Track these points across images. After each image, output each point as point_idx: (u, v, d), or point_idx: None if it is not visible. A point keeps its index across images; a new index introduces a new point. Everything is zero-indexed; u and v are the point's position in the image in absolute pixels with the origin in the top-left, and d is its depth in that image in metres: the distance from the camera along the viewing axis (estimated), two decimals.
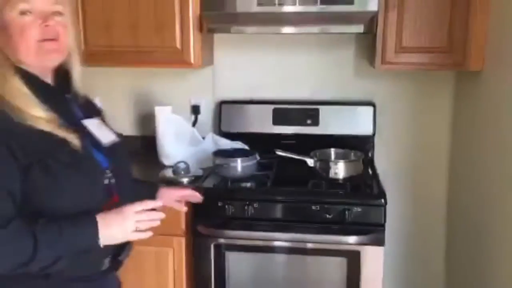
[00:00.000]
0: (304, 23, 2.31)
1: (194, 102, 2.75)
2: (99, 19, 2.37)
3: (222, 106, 2.69)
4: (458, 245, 2.55)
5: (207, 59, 2.58)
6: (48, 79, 1.39)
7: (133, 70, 2.68)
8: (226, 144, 2.55)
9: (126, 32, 2.36)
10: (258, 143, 2.55)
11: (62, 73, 1.42)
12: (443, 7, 2.19)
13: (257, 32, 2.50)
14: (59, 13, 1.34)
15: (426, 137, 2.66)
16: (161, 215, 1.37)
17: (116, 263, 1.42)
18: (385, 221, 2.08)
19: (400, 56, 2.27)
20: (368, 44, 2.56)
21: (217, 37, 2.67)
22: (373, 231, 2.07)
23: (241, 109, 2.69)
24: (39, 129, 1.26)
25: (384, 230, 2.09)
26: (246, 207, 2.13)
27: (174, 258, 2.23)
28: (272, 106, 2.66)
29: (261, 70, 2.71)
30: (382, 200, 2.08)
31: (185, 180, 2.27)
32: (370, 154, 2.59)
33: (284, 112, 2.65)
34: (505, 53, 1.95)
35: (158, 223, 1.36)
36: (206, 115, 2.77)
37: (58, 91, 1.40)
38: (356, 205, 2.08)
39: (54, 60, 1.36)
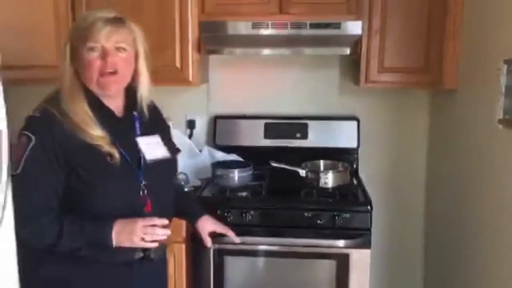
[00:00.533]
0: (295, 45, 2.48)
1: (189, 117, 2.90)
2: None
3: (217, 121, 2.84)
4: (436, 246, 2.74)
5: (203, 78, 2.72)
6: (114, 100, 1.60)
7: None
8: (222, 156, 2.70)
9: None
10: (251, 155, 2.68)
11: (133, 92, 1.63)
12: (420, 32, 2.39)
13: (252, 53, 2.67)
14: (122, 49, 1.54)
15: (405, 149, 2.84)
16: (167, 232, 1.55)
17: (147, 257, 1.59)
18: (371, 225, 2.26)
19: (382, 75, 2.46)
20: (352, 64, 2.73)
21: (212, 57, 2.82)
22: (360, 235, 2.24)
23: (235, 124, 2.84)
24: (88, 142, 1.48)
25: (370, 234, 2.26)
26: (243, 215, 2.29)
27: (175, 263, 2.33)
28: (264, 121, 2.81)
29: (253, 88, 2.87)
30: (368, 207, 2.27)
31: (185, 189, 2.42)
32: (354, 165, 2.76)
33: (275, 127, 2.80)
34: (476, 73, 2.16)
35: (164, 237, 1.56)
36: (201, 129, 2.92)
37: (122, 111, 1.63)
38: (345, 212, 2.25)
39: (113, 91, 1.58)
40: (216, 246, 2.29)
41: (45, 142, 1.45)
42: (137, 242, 1.51)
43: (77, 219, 1.49)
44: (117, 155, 1.51)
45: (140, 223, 1.50)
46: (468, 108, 2.27)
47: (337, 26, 2.40)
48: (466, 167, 2.25)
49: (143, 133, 1.65)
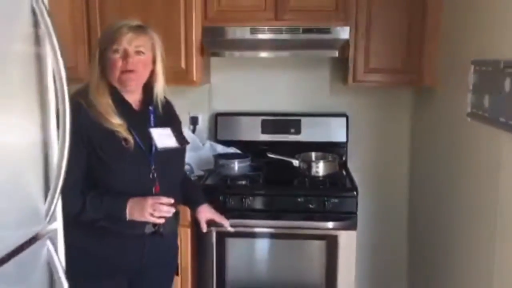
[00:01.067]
0: (289, 48, 2.72)
1: (193, 114, 3.14)
2: None
3: (218, 118, 3.08)
4: (417, 229, 2.98)
5: (205, 78, 2.96)
6: (133, 95, 1.87)
7: None
8: (223, 149, 2.94)
9: None
10: (249, 149, 2.92)
11: (149, 89, 1.89)
12: (402, 36, 2.64)
13: (250, 56, 2.90)
14: (142, 53, 1.81)
15: (390, 142, 3.09)
16: (172, 209, 1.82)
17: (158, 231, 1.84)
18: (357, 209, 2.51)
19: (368, 75, 2.70)
20: (341, 65, 2.96)
21: (213, 59, 3.05)
22: (348, 218, 2.49)
23: (234, 120, 3.07)
24: (108, 129, 1.74)
25: (356, 217, 2.51)
26: (242, 200, 2.54)
27: (181, 245, 2.49)
28: (261, 118, 3.04)
29: (251, 87, 3.10)
30: (355, 192, 2.52)
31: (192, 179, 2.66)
32: (344, 158, 3.01)
33: (271, 123, 3.04)
34: (451, 72, 2.41)
35: (169, 214, 1.81)
36: (203, 125, 3.16)
37: (139, 105, 1.89)
38: (334, 197, 2.50)
39: (131, 87, 1.84)
40: (218, 229, 2.52)
41: (74, 126, 1.69)
42: (146, 217, 1.76)
43: (98, 194, 1.75)
44: (132, 141, 1.77)
45: (150, 200, 1.76)
46: (444, 104, 2.53)
47: (327, 31, 2.64)
48: (443, 157, 2.50)
49: (156, 125, 1.90)
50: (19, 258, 1.08)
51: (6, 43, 1.08)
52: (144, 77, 1.86)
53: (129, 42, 1.77)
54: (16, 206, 1.11)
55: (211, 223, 2.19)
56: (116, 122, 1.77)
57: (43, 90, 1.20)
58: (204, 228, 2.14)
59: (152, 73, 1.89)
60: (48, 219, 1.19)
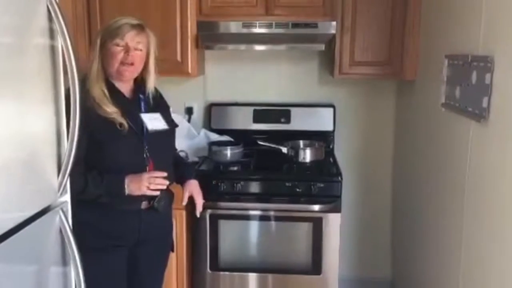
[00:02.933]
0: (279, 42, 2.88)
1: (188, 104, 3.29)
2: None
3: (212, 108, 3.24)
4: (400, 211, 3.16)
5: (200, 70, 3.11)
6: (126, 86, 2.06)
7: None
8: (216, 138, 3.10)
9: None
10: (241, 137, 3.06)
11: (140, 80, 2.10)
12: (384, 31, 2.80)
13: (242, 49, 3.06)
14: (140, 49, 2.03)
15: (374, 131, 3.26)
16: (166, 182, 2.03)
17: (153, 206, 2.06)
18: (341, 193, 2.68)
19: (353, 68, 2.85)
20: (328, 58, 3.12)
21: (208, 52, 3.20)
22: (332, 201, 2.66)
23: (227, 110, 3.22)
24: (103, 115, 1.94)
25: (340, 200, 2.68)
26: (234, 185, 2.70)
27: (177, 226, 2.65)
28: (253, 108, 3.19)
29: (243, 79, 3.25)
30: (339, 177, 2.69)
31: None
32: (331, 146, 3.17)
33: (262, 113, 3.18)
34: (429, 65, 2.58)
35: (164, 186, 2.03)
36: (198, 115, 3.31)
37: (130, 94, 2.08)
38: (319, 182, 2.67)
39: (127, 77, 2.05)
40: (211, 211, 2.71)
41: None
42: (143, 190, 1.96)
43: (98, 173, 1.94)
44: (126, 124, 1.97)
45: (146, 175, 1.98)
46: (422, 95, 2.70)
47: (315, 25, 2.78)
48: (421, 144, 2.68)
49: (147, 111, 2.11)
50: (35, 224, 1.25)
51: (25, 36, 1.25)
52: (139, 70, 2.07)
53: (131, 38, 1.99)
54: (34, 181, 1.28)
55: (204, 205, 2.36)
56: (111, 110, 1.96)
57: (56, 80, 1.37)
58: (185, 201, 2.28)
59: (145, 66, 2.10)
60: (60, 192, 1.36)
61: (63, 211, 1.36)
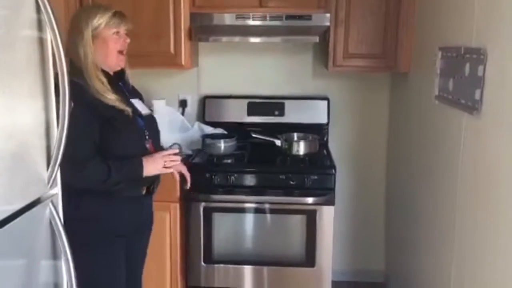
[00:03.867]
0: (273, 34, 2.87)
1: (182, 97, 3.28)
2: None
3: (205, 100, 3.23)
4: (394, 203, 3.17)
5: (194, 62, 3.10)
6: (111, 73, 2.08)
7: (134, 71, 3.18)
8: (210, 130, 3.09)
9: (130, 40, 2.87)
10: (235, 130, 3.06)
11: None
12: (379, 23, 2.79)
13: (236, 41, 3.03)
14: (127, 36, 2.09)
15: (368, 124, 3.26)
16: (179, 158, 2.11)
17: (149, 192, 2.14)
18: (335, 186, 2.69)
19: (347, 60, 2.85)
20: (323, 51, 3.12)
21: (201, 44, 3.19)
22: (326, 194, 2.67)
23: (221, 103, 3.22)
24: (108, 103, 1.95)
25: (334, 193, 2.68)
26: (228, 177, 2.70)
27: (171, 220, 2.70)
28: (247, 100, 3.19)
29: (237, 71, 3.25)
30: (333, 170, 2.70)
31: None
32: (325, 139, 3.17)
33: (256, 105, 3.18)
34: (423, 58, 2.58)
35: (177, 162, 2.13)
36: (192, 107, 3.31)
37: (116, 82, 2.09)
38: (313, 174, 2.67)
39: (122, 64, 2.11)
40: (205, 204, 2.72)
41: (80, 105, 1.85)
42: (160, 168, 2.05)
43: (116, 159, 1.96)
44: (129, 110, 2.01)
45: (159, 154, 2.06)
46: (416, 88, 2.70)
47: (309, 18, 2.78)
48: (415, 137, 2.68)
49: (130, 97, 2.15)
50: (25, 216, 1.24)
51: (13, 28, 1.23)
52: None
53: (124, 26, 2.05)
54: (24, 173, 1.27)
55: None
56: (113, 97, 1.98)
57: (45, 73, 1.36)
58: (177, 177, 2.26)
59: None
60: (50, 184, 1.35)
61: (53, 204, 1.35)
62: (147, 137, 2.11)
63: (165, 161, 2.06)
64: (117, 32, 2.03)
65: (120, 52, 2.05)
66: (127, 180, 2.00)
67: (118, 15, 2.03)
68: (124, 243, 2.10)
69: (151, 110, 2.29)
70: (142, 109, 2.15)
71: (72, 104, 1.86)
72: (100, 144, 1.95)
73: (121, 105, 1.99)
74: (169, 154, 2.09)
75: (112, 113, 1.97)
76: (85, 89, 1.93)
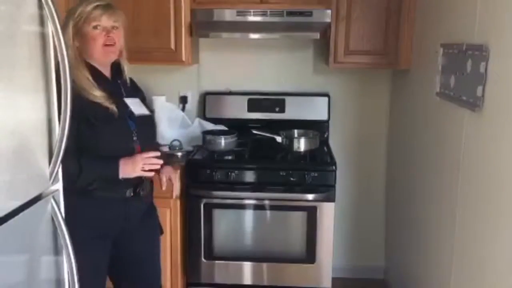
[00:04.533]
0: (274, 30, 2.85)
1: (182, 93, 3.27)
2: None
3: (206, 97, 3.22)
4: (394, 200, 3.16)
5: (194, 58, 3.09)
6: (107, 69, 2.07)
7: (134, 67, 3.18)
8: (211, 127, 3.09)
9: (130, 36, 2.84)
10: (236, 126, 3.06)
11: (117, 65, 2.09)
12: (380, 20, 2.78)
13: (237, 37, 3.03)
14: (116, 27, 2.02)
15: (369, 120, 3.25)
16: (160, 161, 2.03)
17: (137, 195, 2.06)
18: (335, 182, 2.68)
19: (348, 57, 2.84)
20: (323, 47, 3.11)
21: (202, 40, 3.18)
22: (327, 190, 2.67)
23: (222, 99, 3.21)
24: (92, 100, 1.92)
25: (334, 190, 2.68)
26: (228, 174, 2.70)
27: (171, 216, 2.69)
28: (247, 97, 3.17)
29: (238, 68, 3.24)
30: (333, 167, 2.69)
31: (179, 154, 2.81)
32: (325, 135, 3.16)
33: (257, 102, 3.17)
34: (424, 54, 2.57)
35: (158, 167, 2.04)
36: (192, 104, 3.29)
37: (110, 78, 2.05)
38: (314, 171, 2.67)
39: (112, 58, 2.05)
40: (206, 201, 2.71)
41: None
42: (138, 171, 1.97)
43: (91, 158, 1.91)
44: (115, 108, 1.96)
45: (140, 156, 1.98)
46: (417, 85, 2.69)
47: (309, 14, 2.77)
48: (416, 134, 2.67)
49: (127, 96, 2.11)
50: (27, 212, 1.24)
51: (15, 23, 1.23)
52: (120, 48, 2.06)
53: (108, 18, 1.98)
54: (25, 169, 1.27)
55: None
56: (99, 94, 1.94)
57: (47, 68, 1.35)
58: (163, 184, 2.25)
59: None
60: (51, 180, 1.35)
61: (54, 200, 1.35)
62: (134, 138, 2.03)
63: (144, 164, 1.98)
64: (97, 26, 1.96)
65: (107, 45, 1.98)
66: (103, 180, 1.94)
67: (101, 7, 1.96)
68: (108, 245, 2.07)
69: (151, 111, 2.24)
70: (137, 109, 2.08)
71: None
72: (80, 142, 1.89)
73: (106, 103, 1.94)
74: (149, 157, 1.99)
75: (93, 112, 1.92)
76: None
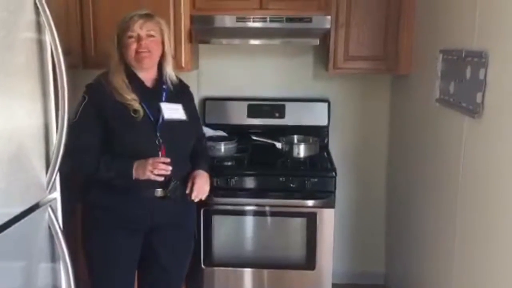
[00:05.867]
0: (273, 36, 2.85)
1: None
2: (107, 31, 2.83)
3: (206, 103, 3.22)
4: (395, 206, 3.16)
5: (194, 64, 3.09)
6: (146, 75, 2.17)
7: None
8: (211, 133, 3.07)
9: None
10: (236, 132, 3.06)
11: (163, 69, 2.19)
12: (379, 26, 2.78)
13: (236, 43, 3.03)
14: (152, 36, 2.12)
15: (369, 126, 3.25)
16: (169, 167, 2.04)
17: (166, 195, 2.12)
18: (335, 189, 2.67)
19: (347, 63, 2.83)
20: (323, 53, 3.10)
21: (202, 46, 3.17)
22: (326, 196, 2.66)
23: (222, 105, 3.21)
24: (121, 102, 2.06)
25: (334, 196, 2.67)
26: (228, 180, 2.69)
27: None
28: (247, 103, 3.17)
29: (238, 73, 3.23)
30: (333, 173, 2.68)
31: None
32: (325, 141, 3.16)
33: (257, 107, 3.17)
34: (425, 61, 2.56)
35: (167, 172, 2.05)
36: None
37: (151, 83, 2.18)
38: (313, 177, 2.66)
39: (146, 64, 2.13)
40: (206, 207, 2.70)
41: (93, 100, 2.06)
42: (147, 174, 2.02)
43: (110, 157, 2.05)
44: (141, 112, 2.06)
45: (150, 160, 2.03)
46: (417, 90, 2.69)
47: (309, 20, 2.76)
48: (416, 140, 2.67)
49: (168, 101, 2.17)
50: (24, 222, 1.24)
51: (12, 31, 1.23)
52: (156, 55, 2.15)
53: (141, 27, 2.09)
54: (22, 178, 1.27)
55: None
56: (129, 96, 2.06)
57: (44, 75, 1.35)
58: (188, 188, 2.19)
59: (162, 55, 2.18)
60: (49, 189, 1.35)
61: (51, 208, 1.34)
62: (157, 141, 2.09)
63: (154, 168, 2.02)
64: (131, 35, 2.08)
65: (138, 52, 2.08)
66: (120, 179, 2.05)
67: (137, 17, 2.10)
68: (137, 239, 2.18)
69: (192, 118, 2.28)
70: (170, 114, 2.14)
71: (86, 99, 2.06)
72: (104, 140, 2.06)
73: (133, 105, 2.05)
74: (157, 162, 2.03)
75: (113, 113, 2.05)
76: (102, 86, 2.08)
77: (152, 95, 2.15)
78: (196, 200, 2.23)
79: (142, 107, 2.08)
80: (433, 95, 2.31)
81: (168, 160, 2.05)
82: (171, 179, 2.11)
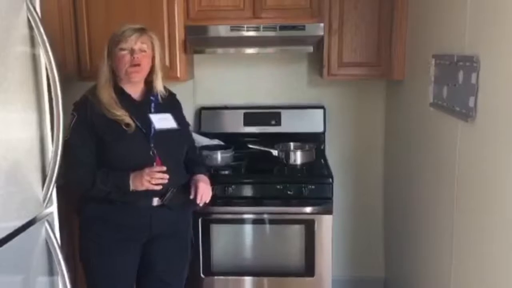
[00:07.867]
0: (267, 44, 2.88)
1: None
2: (102, 43, 2.85)
3: (202, 112, 3.23)
4: (392, 212, 3.16)
5: (189, 74, 3.09)
6: (135, 88, 2.19)
7: None
8: (207, 141, 3.08)
9: None
10: (232, 141, 3.06)
11: (150, 82, 2.20)
12: (372, 32, 2.80)
13: (231, 52, 3.05)
14: (144, 51, 2.13)
15: (365, 131, 3.26)
16: (166, 176, 2.06)
17: (164, 204, 2.14)
18: (332, 195, 2.68)
19: (341, 69, 2.85)
20: (317, 60, 3.11)
21: (196, 56, 3.19)
22: (324, 203, 2.66)
23: (217, 114, 3.22)
24: (111, 118, 2.07)
25: (332, 202, 2.68)
26: (225, 189, 2.69)
27: None
28: (243, 111, 3.18)
29: (233, 82, 3.25)
30: (330, 179, 2.69)
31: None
32: (322, 147, 3.16)
33: (253, 115, 3.18)
34: (418, 66, 2.58)
35: (164, 181, 2.06)
36: (188, 119, 3.25)
37: (140, 96, 2.20)
38: (311, 184, 2.66)
39: (136, 78, 2.16)
40: (203, 216, 2.70)
41: (82, 118, 2.06)
42: (145, 184, 2.03)
43: (105, 171, 2.06)
44: (133, 125, 2.07)
45: (146, 170, 2.05)
46: (411, 95, 2.70)
47: (302, 28, 2.77)
48: (412, 144, 2.68)
49: (157, 112, 2.20)
50: (21, 237, 1.24)
51: (6, 45, 1.24)
52: (146, 70, 2.17)
53: (134, 41, 2.10)
54: (19, 193, 1.27)
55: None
56: (119, 112, 2.08)
57: (38, 89, 1.36)
58: (191, 193, 2.23)
59: (152, 68, 2.20)
60: (45, 204, 1.35)
61: (48, 223, 1.35)
62: (151, 152, 2.11)
63: (151, 177, 2.04)
64: (123, 48, 2.09)
65: (132, 66, 2.09)
66: (117, 191, 2.06)
67: (130, 30, 2.10)
68: (137, 250, 2.19)
69: (184, 124, 2.36)
70: (161, 124, 2.17)
71: (76, 116, 2.06)
72: (99, 156, 2.08)
73: (125, 119, 2.06)
74: (153, 172, 2.05)
75: (106, 129, 2.06)
76: (89, 102, 2.09)
77: (141, 108, 2.17)
78: (202, 203, 2.25)
79: (132, 120, 2.10)
80: (427, 100, 2.32)
81: (164, 168, 2.07)
82: (168, 187, 2.13)
